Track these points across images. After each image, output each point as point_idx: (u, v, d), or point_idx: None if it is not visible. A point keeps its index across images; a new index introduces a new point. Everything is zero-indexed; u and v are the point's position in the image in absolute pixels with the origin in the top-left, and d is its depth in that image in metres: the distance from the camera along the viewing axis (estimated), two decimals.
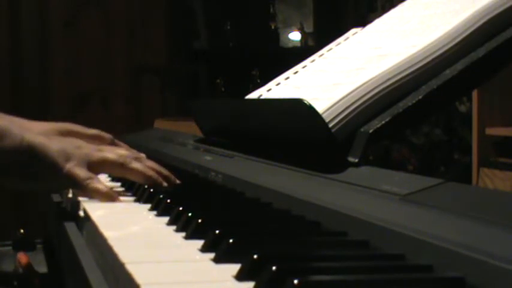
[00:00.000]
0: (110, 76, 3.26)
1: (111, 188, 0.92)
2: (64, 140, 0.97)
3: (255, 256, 0.50)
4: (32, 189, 1.03)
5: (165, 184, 0.94)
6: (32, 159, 0.91)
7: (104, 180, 0.95)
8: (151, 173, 0.94)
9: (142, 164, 0.96)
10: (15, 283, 1.07)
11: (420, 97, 0.81)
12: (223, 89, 3.38)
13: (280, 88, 1.05)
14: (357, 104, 0.82)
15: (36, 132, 0.96)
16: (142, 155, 1.00)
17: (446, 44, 0.85)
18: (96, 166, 0.95)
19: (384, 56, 0.89)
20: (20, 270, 1.08)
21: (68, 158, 0.92)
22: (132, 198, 0.90)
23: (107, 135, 1.13)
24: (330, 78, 0.95)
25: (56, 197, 1.06)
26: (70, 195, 0.97)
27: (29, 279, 1.06)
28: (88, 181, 0.90)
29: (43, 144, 0.92)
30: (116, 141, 1.07)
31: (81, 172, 0.91)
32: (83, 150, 0.95)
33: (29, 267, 1.08)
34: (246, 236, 0.61)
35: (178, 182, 0.96)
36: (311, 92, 0.94)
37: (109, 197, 0.89)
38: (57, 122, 1.17)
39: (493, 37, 0.84)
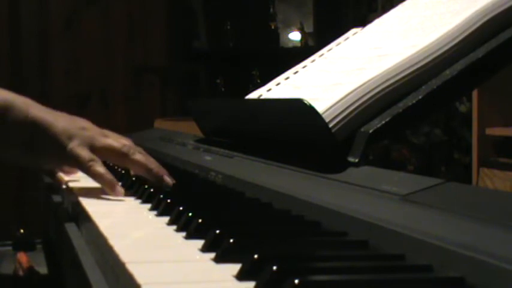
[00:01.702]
0: (110, 76, 3.26)
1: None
2: (70, 120, 0.95)
3: (256, 256, 0.50)
4: (33, 166, 1.01)
5: (167, 179, 0.92)
6: (36, 134, 0.90)
7: None
8: (153, 166, 0.92)
9: (145, 157, 0.94)
10: (16, 283, 1.07)
11: (420, 97, 0.81)
12: (223, 89, 3.38)
13: (280, 88, 1.05)
14: (357, 104, 0.82)
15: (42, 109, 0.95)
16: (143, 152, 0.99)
17: (446, 44, 0.85)
18: (99, 151, 0.93)
19: (384, 56, 0.89)
20: (20, 270, 1.08)
21: (71, 137, 0.91)
22: (132, 198, 0.90)
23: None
24: (330, 78, 0.95)
25: (56, 198, 1.06)
26: (70, 195, 0.97)
27: (29, 279, 1.06)
28: (91, 163, 0.89)
29: (47, 121, 0.91)
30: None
31: (84, 153, 0.90)
32: (87, 132, 0.93)
33: (29, 267, 1.08)
34: (246, 235, 0.61)
35: (172, 181, 0.93)
36: (311, 92, 0.94)
37: (110, 183, 0.87)
38: None
39: (493, 37, 0.84)
